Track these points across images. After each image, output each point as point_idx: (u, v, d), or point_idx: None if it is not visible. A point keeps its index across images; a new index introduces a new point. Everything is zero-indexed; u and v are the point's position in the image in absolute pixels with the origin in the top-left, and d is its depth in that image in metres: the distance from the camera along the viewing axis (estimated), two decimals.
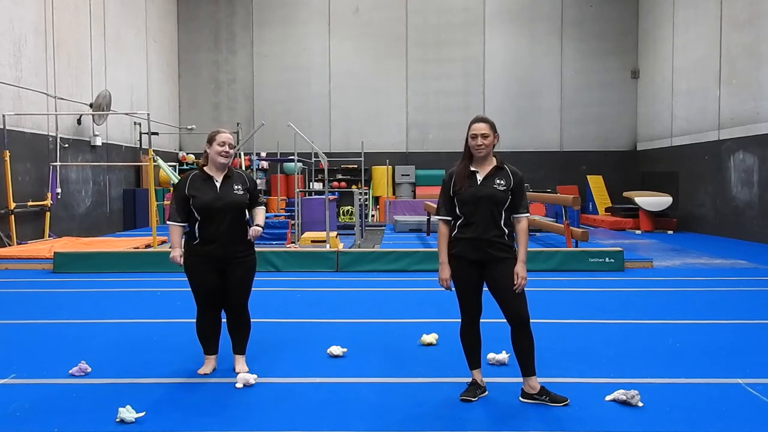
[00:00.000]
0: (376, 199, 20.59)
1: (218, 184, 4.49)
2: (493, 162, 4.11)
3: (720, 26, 15.42)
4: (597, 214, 18.72)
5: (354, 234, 14.03)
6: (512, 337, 4.08)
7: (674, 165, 17.85)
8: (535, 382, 4.07)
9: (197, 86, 21.32)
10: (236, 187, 4.52)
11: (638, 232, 16.53)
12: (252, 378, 4.45)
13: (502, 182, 4.04)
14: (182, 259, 4.53)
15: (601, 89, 20.65)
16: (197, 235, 4.50)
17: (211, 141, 4.51)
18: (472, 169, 4.08)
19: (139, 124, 17.99)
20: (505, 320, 4.08)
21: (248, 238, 4.55)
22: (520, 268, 4.00)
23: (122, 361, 5.05)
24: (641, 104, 20.31)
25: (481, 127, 4.05)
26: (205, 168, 4.56)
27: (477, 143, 4.03)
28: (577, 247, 10.66)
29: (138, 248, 11.14)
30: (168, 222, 4.61)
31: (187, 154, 19.63)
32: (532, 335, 4.05)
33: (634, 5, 20.40)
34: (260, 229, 4.61)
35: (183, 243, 4.64)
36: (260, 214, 4.73)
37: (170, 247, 4.61)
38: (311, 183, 20.04)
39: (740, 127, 14.62)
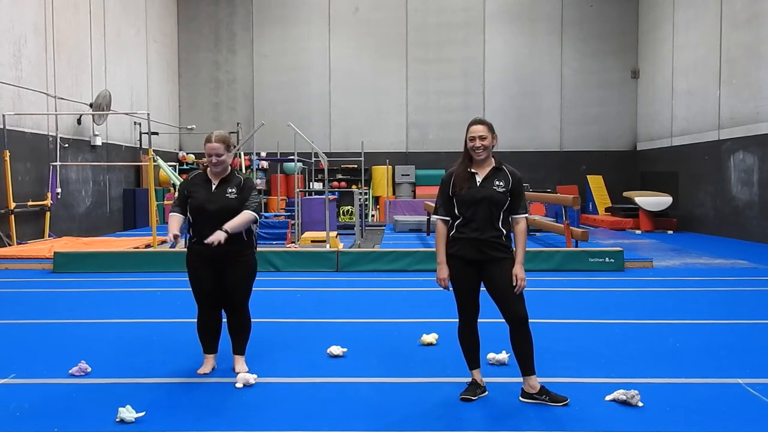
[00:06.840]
0: (376, 199, 20.59)
1: (213, 187, 4.53)
2: (492, 163, 4.13)
3: (720, 26, 15.42)
4: (597, 214, 18.72)
5: (354, 234, 14.03)
6: (511, 336, 4.08)
7: (674, 165, 17.85)
8: (535, 382, 4.07)
9: (197, 86, 21.32)
10: (230, 190, 4.51)
11: (638, 232, 16.53)
12: (252, 378, 4.45)
13: (501, 183, 4.05)
14: (174, 238, 4.41)
15: (601, 89, 20.64)
16: (194, 233, 4.56)
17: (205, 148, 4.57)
18: (471, 170, 4.10)
19: (139, 124, 17.98)
20: (504, 320, 4.08)
21: (206, 241, 4.27)
22: (518, 270, 4.01)
23: (122, 361, 5.05)
24: (641, 104, 20.30)
25: (479, 129, 4.06)
26: (207, 169, 4.60)
27: (475, 145, 4.05)
28: (577, 247, 10.66)
29: (138, 248, 11.14)
30: (170, 214, 4.62)
31: (187, 154, 19.60)
32: (531, 334, 4.06)
33: (634, 5, 20.39)
34: (222, 234, 4.26)
35: (185, 240, 4.64)
36: (238, 217, 4.40)
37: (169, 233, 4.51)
38: (311, 183, 20.04)
39: (740, 127, 14.62)
